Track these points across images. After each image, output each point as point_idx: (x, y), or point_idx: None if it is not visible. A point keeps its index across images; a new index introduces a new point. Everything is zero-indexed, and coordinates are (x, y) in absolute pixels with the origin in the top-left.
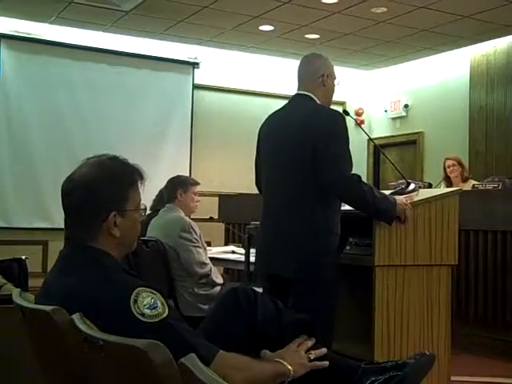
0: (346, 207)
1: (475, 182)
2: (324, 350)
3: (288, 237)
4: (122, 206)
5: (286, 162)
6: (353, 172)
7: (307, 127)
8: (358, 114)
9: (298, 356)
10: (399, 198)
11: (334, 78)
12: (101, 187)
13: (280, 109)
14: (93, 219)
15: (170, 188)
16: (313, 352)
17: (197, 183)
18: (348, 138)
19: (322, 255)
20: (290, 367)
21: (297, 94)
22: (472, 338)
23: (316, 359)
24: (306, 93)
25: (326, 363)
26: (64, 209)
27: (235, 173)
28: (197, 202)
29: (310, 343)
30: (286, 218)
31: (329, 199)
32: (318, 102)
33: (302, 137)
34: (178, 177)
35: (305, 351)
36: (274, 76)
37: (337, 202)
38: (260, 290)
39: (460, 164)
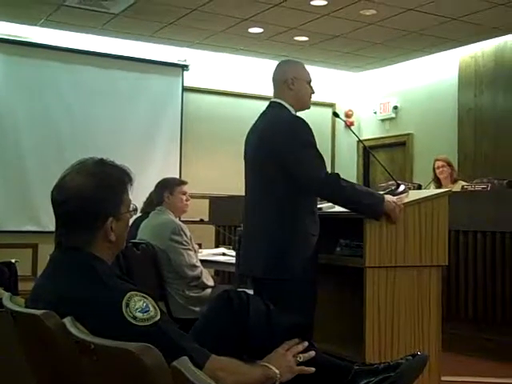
0: (336, 209)
1: (464, 183)
2: (312, 353)
3: (257, 238)
4: (117, 210)
5: (255, 170)
6: (337, 172)
7: (269, 137)
8: (348, 115)
9: (285, 360)
10: (389, 197)
11: (306, 81)
12: (97, 196)
13: (257, 118)
14: (90, 227)
15: (157, 191)
16: (301, 355)
17: (183, 183)
18: (313, 140)
19: (290, 255)
20: (276, 371)
21: (270, 102)
22: (462, 338)
23: (304, 362)
24: (276, 100)
25: (313, 369)
26: (57, 217)
27: (225, 175)
28: (186, 201)
29: (299, 347)
30: (255, 222)
31: (300, 201)
32: (289, 106)
33: (265, 146)
34: (164, 180)
35: (293, 355)
36: (263, 78)
37: (309, 203)
38: (251, 292)
39: (449, 165)
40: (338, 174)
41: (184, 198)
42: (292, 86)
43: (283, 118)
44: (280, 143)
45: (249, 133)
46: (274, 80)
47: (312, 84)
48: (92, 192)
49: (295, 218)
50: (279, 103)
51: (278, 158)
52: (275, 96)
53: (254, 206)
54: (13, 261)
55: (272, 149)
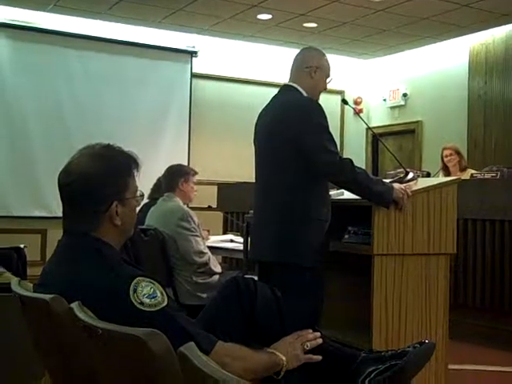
0: (345, 196)
1: (473, 172)
2: (320, 341)
3: (267, 223)
4: (122, 195)
5: (267, 154)
6: (348, 157)
7: (282, 120)
8: (357, 102)
9: (293, 347)
10: (398, 185)
11: (326, 76)
12: (101, 178)
13: (269, 101)
14: (95, 210)
15: (171, 177)
16: (308, 343)
17: (196, 173)
18: (326, 124)
19: (300, 241)
20: (283, 358)
21: (282, 85)
22: (469, 327)
23: (311, 349)
24: (290, 83)
25: (320, 357)
26: (63, 200)
27: (233, 161)
28: (195, 191)
29: (310, 336)
30: (265, 206)
31: (311, 187)
32: (303, 92)
33: (278, 130)
34: (179, 166)
35: (301, 343)
36: (272, 65)
37: (320, 188)
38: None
39: (458, 153)
40: (351, 159)
41: (195, 187)
42: (314, 74)
43: (297, 101)
44: (294, 127)
45: (259, 116)
46: (297, 63)
47: (328, 81)
48: (96, 175)
49: (306, 203)
50: (293, 87)
51: (291, 142)
52: (291, 79)
53: (265, 191)
54: (22, 246)
55: (286, 133)
